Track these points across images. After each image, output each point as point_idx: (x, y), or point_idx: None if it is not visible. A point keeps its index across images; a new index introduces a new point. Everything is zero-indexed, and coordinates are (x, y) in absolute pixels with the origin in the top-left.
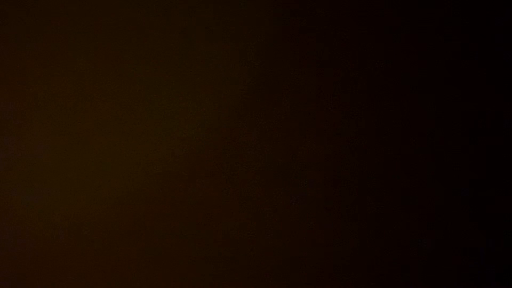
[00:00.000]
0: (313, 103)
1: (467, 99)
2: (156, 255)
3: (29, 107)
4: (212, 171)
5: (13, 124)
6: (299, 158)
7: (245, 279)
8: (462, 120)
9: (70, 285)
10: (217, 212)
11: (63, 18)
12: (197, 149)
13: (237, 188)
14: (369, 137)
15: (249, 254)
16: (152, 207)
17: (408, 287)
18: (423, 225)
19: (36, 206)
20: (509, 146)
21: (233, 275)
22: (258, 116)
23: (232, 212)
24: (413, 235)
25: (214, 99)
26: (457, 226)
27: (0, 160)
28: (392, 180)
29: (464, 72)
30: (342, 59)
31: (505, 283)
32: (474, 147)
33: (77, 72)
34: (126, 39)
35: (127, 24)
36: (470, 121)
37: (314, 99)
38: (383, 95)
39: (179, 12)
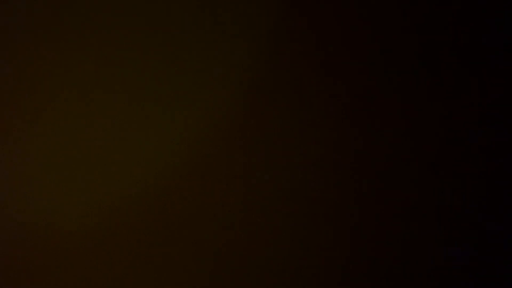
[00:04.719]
0: (313, 103)
1: (467, 99)
2: (155, 255)
3: (29, 107)
4: (212, 171)
5: (14, 124)
6: (299, 158)
7: (246, 279)
8: (463, 121)
9: (70, 285)
10: (216, 212)
11: (63, 18)
12: (197, 149)
13: (236, 189)
14: (371, 137)
15: (248, 254)
16: (151, 207)
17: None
18: (423, 227)
19: (36, 206)
20: (509, 146)
21: (232, 275)
22: (258, 116)
23: (232, 213)
24: (413, 237)
25: (214, 99)
26: (458, 228)
27: (0, 160)
28: (393, 181)
29: (465, 72)
30: (343, 59)
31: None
32: (474, 147)
33: (77, 72)
34: (126, 39)
35: (128, 24)
36: (471, 121)
37: (315, 99)
38: (384, 95)
39: (180, 12)
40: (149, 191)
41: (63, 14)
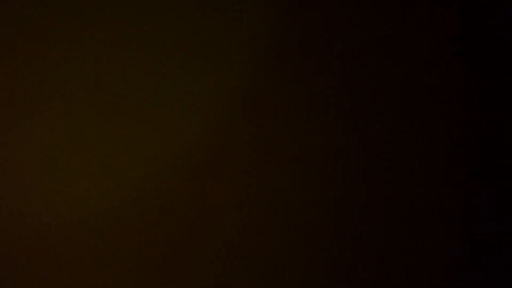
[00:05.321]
0: (314, 103)
1: (467, 101)
2: (155, 255)
3: (30, 107)
4: (212, 171)
5: (14, 124)
6: (299, 158)
7: (246, 279)
8: (463, 121)
9: (70, 285)
10: (216, 212)
11: (63, 18)
12: (196, 149)
13: (236, 189)
14: (371, 137)
15: (248, 254)
16: (152, 207)
17: None
18: (423, 227)
19: (36, 206)
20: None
21: (232, 275)
22: (258, 116)
23: (231, 213)
24: (414, 237)
25: (214, 99)
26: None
27: (1, 160)
28: (394, 181)
29: (465, 73)
30: (343, 59)
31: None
32: (474, 147)
33: (77, 72)
34: (126, 39)
35: (128, 24)
36: (472, 122)
37: (315, 98)
38: (384, 94)
39: (179, 12)
40: (149, 191)
41: (63, 14)
